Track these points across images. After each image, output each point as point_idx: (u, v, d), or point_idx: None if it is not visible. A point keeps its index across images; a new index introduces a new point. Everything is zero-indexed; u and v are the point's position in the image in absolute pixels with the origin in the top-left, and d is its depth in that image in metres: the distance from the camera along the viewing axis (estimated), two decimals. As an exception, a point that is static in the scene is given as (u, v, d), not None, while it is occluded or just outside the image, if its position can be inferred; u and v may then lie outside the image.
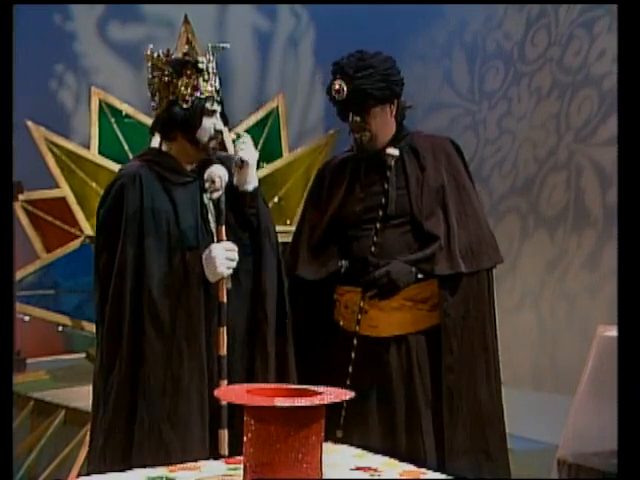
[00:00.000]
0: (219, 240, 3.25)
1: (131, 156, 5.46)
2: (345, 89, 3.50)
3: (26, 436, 5.13)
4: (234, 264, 3.24)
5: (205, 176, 3.24)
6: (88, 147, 5.55)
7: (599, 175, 6.72)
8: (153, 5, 7.38)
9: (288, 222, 5.83)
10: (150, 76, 3.33)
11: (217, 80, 3.31)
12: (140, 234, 3.23)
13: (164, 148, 3.36)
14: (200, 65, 3.27)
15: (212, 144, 3.30)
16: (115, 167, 5.43)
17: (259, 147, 5.77)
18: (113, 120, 5.56)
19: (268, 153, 5.77)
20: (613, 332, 3.92)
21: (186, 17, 5.55)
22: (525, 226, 7.23)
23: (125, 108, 5.61)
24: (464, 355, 3.49)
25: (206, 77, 3.27)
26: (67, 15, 7.19)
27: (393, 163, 3.53)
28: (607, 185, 6.62)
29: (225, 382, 3.22)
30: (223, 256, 3.22)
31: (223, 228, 3.27)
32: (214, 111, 3.29)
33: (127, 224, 3.23)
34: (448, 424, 3.47)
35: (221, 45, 3.36)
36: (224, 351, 3.24)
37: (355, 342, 3.51)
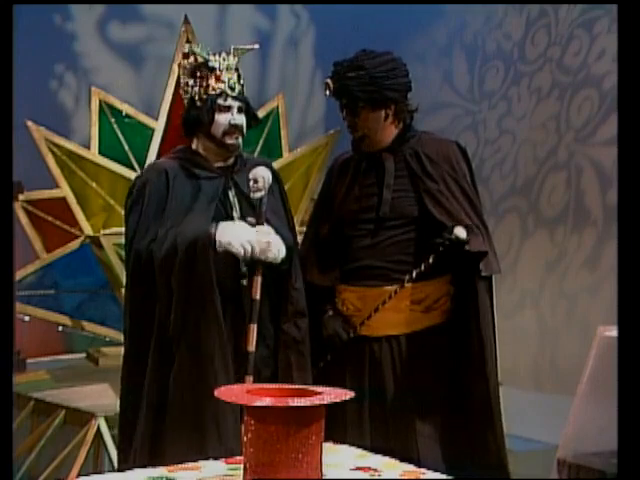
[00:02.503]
0: None
1: (131, 156, 5.47)
2: (332, 87, 3.51)
3: (26, 436, 5.13)
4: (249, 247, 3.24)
5: (250, 175, 3.34)
6: (88, 147, 5.55)
7: (599, 175, 6.72)
8: (153, 5, 7.38)
9: (288, 222, 5.83)
10: (180, 84, 3.51)
11: (235, 77, 3.42)
12: (161, 220, 3.29)
13: (194, 147, 3.46)
14: (210, 64, 3.39)
15: (228, 139, 3.37)
16: (115, 167, 5.44)
17: (259, 147, 5.77)
18: (113, 120, 5.55)
19: (268, 153, 5.76)
20: (613, 332, 3.92)
21: (186, 17, 5.55)
22: (525, 226, 7.23)
23: (125, 108, 5.61)
24: (471, 357, 3.49)
25: (217, 74, 3.38)
26: (67, 15, 7.18)
27: (393, 171, 3.54)
28: (607, 185, 6.62)
29: (251, 378, 3.23)
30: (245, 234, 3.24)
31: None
32: (229, 107, 3.38)
33: (149, 212, 3.31)
34: (452, 425, 3.47)
35: (247, 47, 3.46)
36: (253, 347, 3.26)
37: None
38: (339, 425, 3.44)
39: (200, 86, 3.37)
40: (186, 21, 5.54)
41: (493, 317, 3.59)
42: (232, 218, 3.35)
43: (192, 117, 3.39)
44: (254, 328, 3.27)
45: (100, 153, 5.51)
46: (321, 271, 3.62)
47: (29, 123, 5.38)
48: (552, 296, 6.93)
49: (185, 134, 3.48)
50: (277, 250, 3.30)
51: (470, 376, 3.51)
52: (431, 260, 3.43)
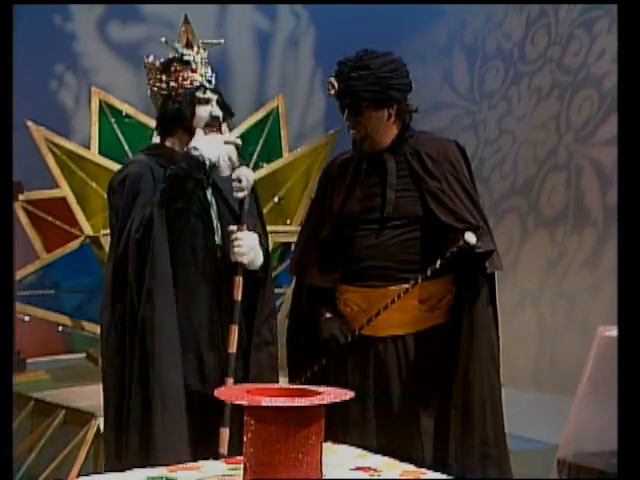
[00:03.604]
0: None
1: (131, 156, 5.47)
2: (336, 87, 3.50)
3: (26, 436, 5.13)
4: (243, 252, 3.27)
5: (233, 175, 3.30)
6: (88, 147, 5.55)
7: (599, 175, 6.72)
8: (153, 5, 7.39)
9: (288, 222, 5.84)
10: (148, 82, 3.40)
11: (209, 70, 3.36)
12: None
13: (167, 144, 3.39)
14: (185, 57, 3.34)
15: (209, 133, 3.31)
16: (115, 167, 5.43)
17: (259, 147, 5.78)
18: (113, 120, 5.56)
19: (268, 153, 5.77)
20: (613, 332, 3.92)
21: (186, 17, 5.55)
22: (525, 226, 7.24)
23: (125, 108, 5.62)
24: (476, 354, 3.50)
25: (193, 67, 3.33)
26: (67, 15, 7.19)
27: (395, 171, 3.54)
28: (607, 185, 6.62)
29: (231, 380, 3.22)
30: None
31: (244, 227, 3.32)
32: (208, 99, 3.33)
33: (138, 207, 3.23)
34: (457, 423, 3.48)
35: (213, 41, 3.42)
36: (233, 349, 3.25)
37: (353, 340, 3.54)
38: (343, 425, 3.44)
39: (176, 80, 3.32)
40: (186, 21, 5.53)
41: (496, 313, 3.60)
42: (210, 217, 3.33)
43: (171, 112, 3.31)
44: (235, 329, 3.26)
45: (100, 153, 5.51)
46: (321, 272, 3.62)
47: (29, 123, 5.38)
48: (552, 296, 6.93)
49: (160, 131, 3.39)
50: (255, 256, 3.32)
51: (471, 374, 3.51)
52: (438, 265, 3.43)
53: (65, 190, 5.44)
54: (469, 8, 7.87)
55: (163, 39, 3.42)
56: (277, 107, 5.94)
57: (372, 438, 3.47)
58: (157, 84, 3.36)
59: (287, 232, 5.58)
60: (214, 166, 3.24)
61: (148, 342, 3.15)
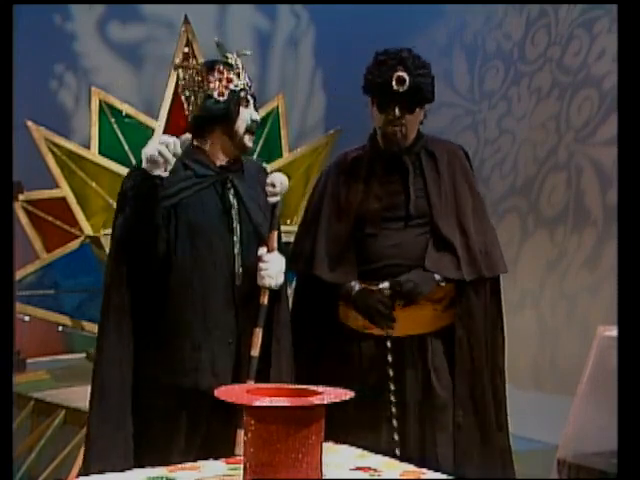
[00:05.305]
0: (270, 248, 3.30)
1: (131, 156, 5.46)
2: (407, 81, 3.47)
3: (26, 436, 5.13)
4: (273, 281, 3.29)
5: (267, 179, 3.34)
6: (88, 147, 5.55)
7: (599, 175, 6.73)
8: (153, 5, 7.39)
9: (288, 222, 5.83)
10: (182, 80, 3.40)
11: (246, 75, 3.40)
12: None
13: (199, 145, 3.37)
14: (230, 60, 3.37)
15: (247, 137, 3.33)
16: (115, 167, 5.43)
17: (259, 147, 5.77)
18: (113, 120, 5.55)
19: (268, 153, 5.76)
20: (613, 332, 3.92)
21: (186, 17, 5.55)
22: (525, 226, 7.24)
23: (125, 108, 5.61)
24: (476, 359, 3.51)
25: (237, 71, 3.36)
26: (67, 15, 7.20)
27: (413, 170, 3.56)
28: (607, 185, 6.62)
29: (252, 383, 3.22)
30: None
31: (275, 234, 3.32)
32: (249, 102, 3.36)
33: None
34: (459, 425, 3.49)
35: (245, 52, 3.46)
36: (256, 352, 3.25)
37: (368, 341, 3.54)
38: (360, 425, 3.43)
39: (220, 81, 3.33)
40: (186, 21, 5.54)
41: (501, 316, 3.63)
42: (230, 215, 3.33)
43: (216, 111, 3.30)
44: (259, 332, 3.25)
45: (100, 153, 5.50)
46: (333, 269, 3.58)
47: (29, 123, 5.37)
48: (552, 296, 6.93)
49: (194, 130, 3.36)
50: (280, 279, 3.31)
51: (472, 375, 3.52)
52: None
53: (65, 190, 5.44)
54: (469, 8, 7.87)
55: (215, 39, 3.43)
56: (277, 107, 5.93)
57: (388, 437, 3.46)
58: (198, 82, 3.35)
59: (287, 232, 5.57)
60: (154, 161, 3.11)
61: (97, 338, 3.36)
